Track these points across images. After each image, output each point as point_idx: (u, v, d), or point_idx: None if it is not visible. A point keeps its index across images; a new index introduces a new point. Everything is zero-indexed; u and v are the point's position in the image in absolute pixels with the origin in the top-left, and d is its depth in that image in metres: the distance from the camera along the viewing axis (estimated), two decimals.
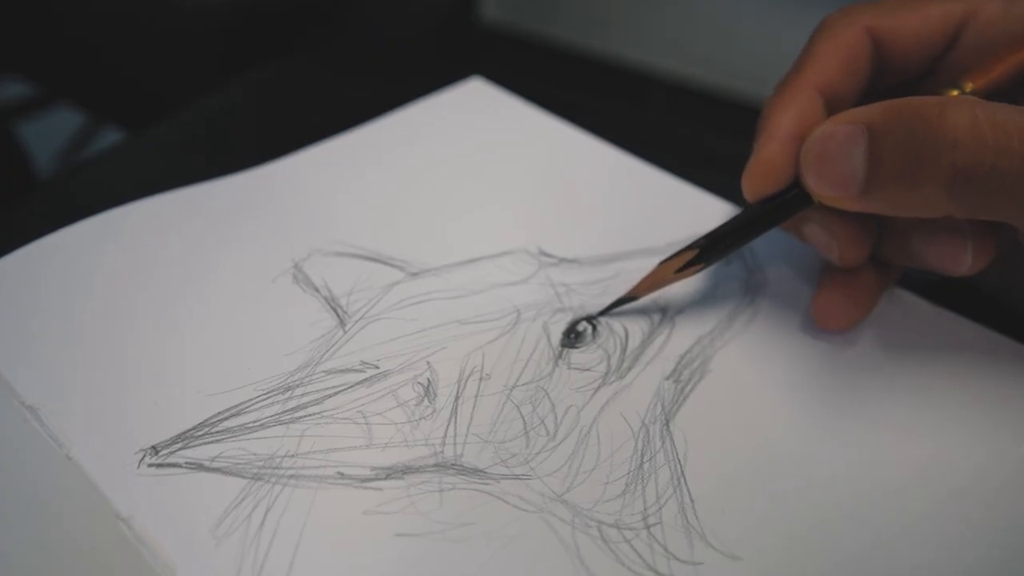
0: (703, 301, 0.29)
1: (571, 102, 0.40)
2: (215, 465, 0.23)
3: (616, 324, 0.28)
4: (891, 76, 0.27)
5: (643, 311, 0.29)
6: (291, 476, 0.23)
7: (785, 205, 0.26)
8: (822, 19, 0.27)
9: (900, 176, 0.22)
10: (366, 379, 0.26)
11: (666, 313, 0.29)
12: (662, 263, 0.27)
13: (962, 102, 0.21)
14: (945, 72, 0.27)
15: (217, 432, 0.24)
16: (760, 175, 0.25)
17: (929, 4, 0.26)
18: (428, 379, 0.26)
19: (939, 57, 0.27)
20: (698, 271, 0.27)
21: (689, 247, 0.27)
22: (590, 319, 0.28)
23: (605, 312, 0.28)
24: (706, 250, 0.26)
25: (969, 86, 0.25)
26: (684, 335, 0.28)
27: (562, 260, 0.31)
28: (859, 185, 0.22)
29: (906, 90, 0.27)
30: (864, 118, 0.22)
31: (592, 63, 0.47)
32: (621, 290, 0.29)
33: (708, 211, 0.33)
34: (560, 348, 0.27)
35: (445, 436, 0.24)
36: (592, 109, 0.40)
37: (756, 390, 0.27)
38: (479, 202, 0.34)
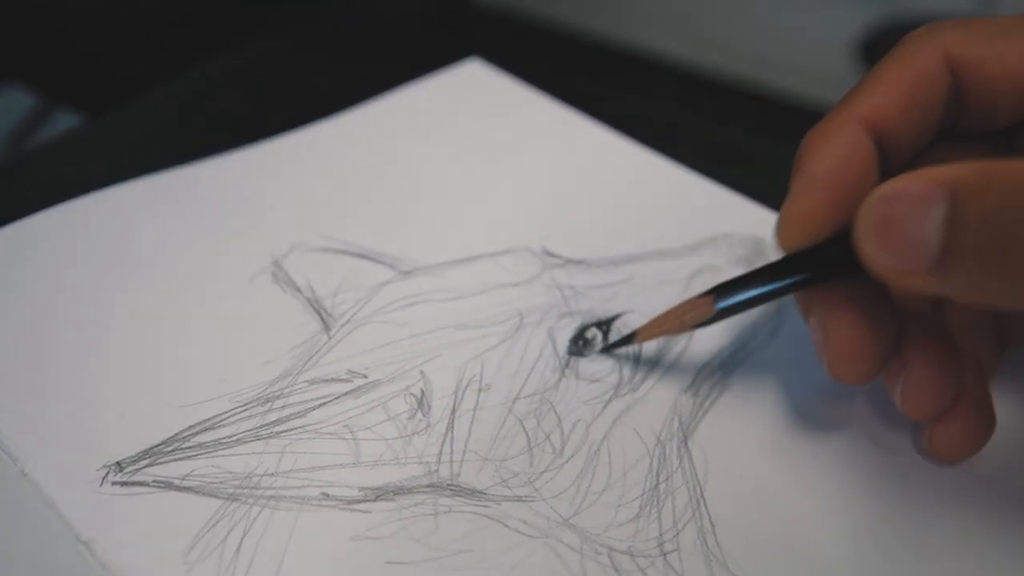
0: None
1: (574, 89, 0.40)
2: (186, 484, 0.23)
3: (629, 331, 0.28)
4: (971, 123, 0.24)
5: None
6: (270, 497, 0.23)
7: (825, 263, 0.23)
8: (904, 37, 0.24)
9: (988, 253, 0.18)
10: (353, 390, 0.26)
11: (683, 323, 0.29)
12: (674, 309, 0.25)
13: None
14: None
15: (188, 448, 0.24)
16: (798, 224, 0.23)
17: None
18: (421, 390, 0.26)
19: None
20: (711, 322, 0.25)
21: (705, 294, 0.25)
22: (600, 324, 0.28)
23: (608, 350, 0.28)
24: (723, 312, 0.24)
25: None
26: (703, 346, 0.28)
27: (568, 261, 0.31)
28: (932, 257, 0.19)
29: (986, 147, 0.25)
30: (945, 178, 0.19)
31: (597, 48, 0.47)
32: (634, 295, 0.28)
33: (727, 209, 0.33)
34: (567, 356, 0.27)
35: (440, 453, 0.24)
36: (597, 97, 0.40)
37: (780, 407, 0.26)
38: (477, 194, 0.34)
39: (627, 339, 0.27)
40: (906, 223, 0.19)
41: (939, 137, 0.24)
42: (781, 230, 0.23)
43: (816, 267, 0.23)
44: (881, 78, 0.23)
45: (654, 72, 0.45)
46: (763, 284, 0.24)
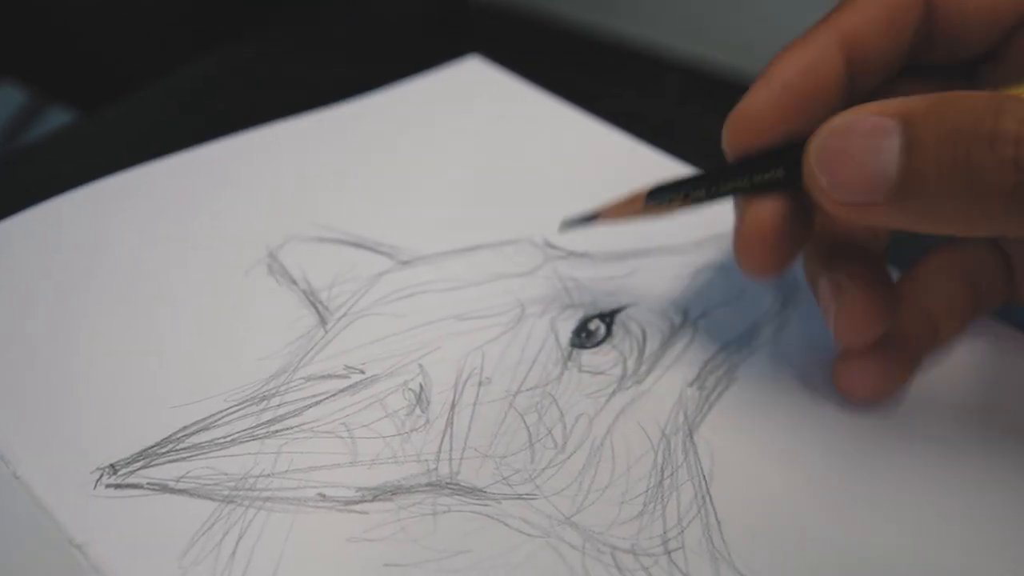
0: (729, 304, 0.29)
1: (574, 85, 0.40)
2: (181, 486, 0.23)
3: (633, 324, 0.28)
4: (939, 50, 0.24)
5: (662, 312, 0.29)
6: (267, 498, 0.23)
7: (762, 169, 0.23)
8: None
9: (948, 178, 0.19)
10: (350, 386, 0.26)
11: (687, 315, 0.28)
12: (635, 194, 0.26)
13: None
14: (1012, 58, 0.24)
15: (183, 449, 0.24)
16: (742, 126, 0.23)
17: None
18: (420, 384, 0.26)
19: (1006, 36, 0.24)
20: (667, 212, 0.26)
21: (676, 194, 0.25)
22: (603, 316, 0.28)
23: (568, 227, 0.27)
24: (699, 200, 0.25)
25: None
26: (708, 339, 0.28)
27: (571, 254, 0.31)
28: (890, 187, 0.19)
29: (956, 74, 0.25)
30: (898, 109, 0.19)
31: (596, 43, 0.47)
32: (638, 289, 0.28)
33: (729, 205, 0.32)
34: (570, 348, 0.27)
35: (439, 451, 0.24)
36: (598, 93, 0.40)
37: (788, 400, 0.26)
38: (478, 185, 0.34)
39: (587, 219, 0.27)
40: (861, 154, 0.19)
41: (903, 70, 0.25)
42: (727, 128, 0.24)
43: (754, 179, 0.23)
44: (855, 1, 0.24)
45: (653, 67, 0.45)
46: (699, 184, 0.24)
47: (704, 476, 0.24)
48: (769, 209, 0.23)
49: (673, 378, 0.26)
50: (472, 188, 0.34)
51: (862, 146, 0.19)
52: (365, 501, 0.23)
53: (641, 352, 0.27)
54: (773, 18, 0.43)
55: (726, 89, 0.43)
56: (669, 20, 0.45)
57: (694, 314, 0.29)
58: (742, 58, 0.43)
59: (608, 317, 0.28)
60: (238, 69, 0.43)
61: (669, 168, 0.35)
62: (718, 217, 0.32)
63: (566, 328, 0.28)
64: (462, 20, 0.49)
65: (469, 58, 0.41)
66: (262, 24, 0.48)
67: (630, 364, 0.27)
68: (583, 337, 0.27)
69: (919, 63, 0.25)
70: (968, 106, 0.18)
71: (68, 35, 0.66)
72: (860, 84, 0.24)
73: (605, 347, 0.27)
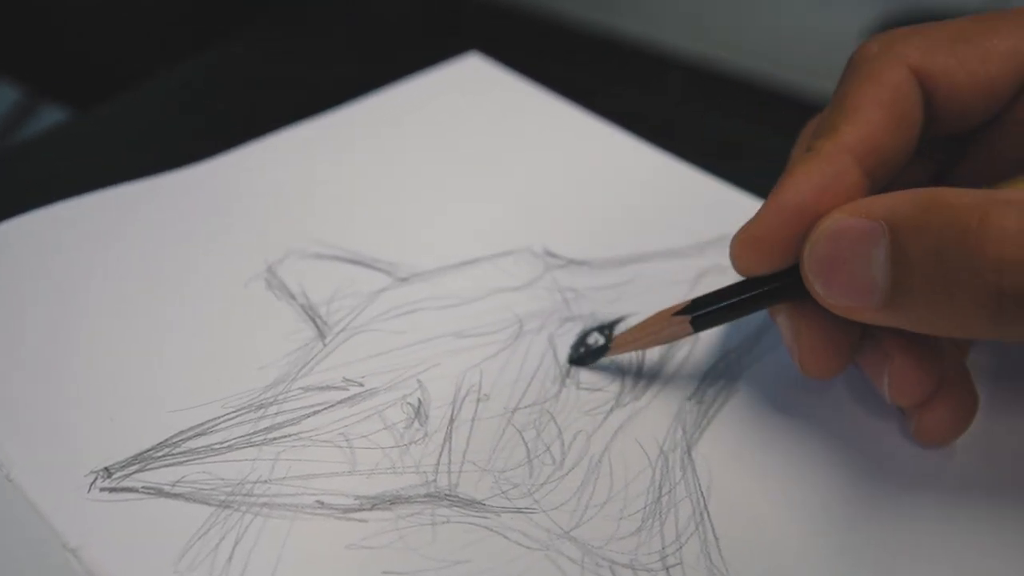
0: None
1: (574, 83, 0.40)
2: (177, 490, 0.23)
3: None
4: (944, 126, 0.24)
5: None
6: (264, 504, 0.23)
7: (780, 291, 0.23)
8: (856, 51, 0.24)
9: (931, 291, 0.19)
10: (349, 398, 0.26)
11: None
12: (648, 320, 0.26)
13: (1008, 204, 0.18)
14: (1007, 130, 0.24)
15: (180, 453, 0.24)
16: (749, 250, 0.23)
17: (990, 38, 0.23)
18: (419, 399, 0.26)
19: (1007, 106, 0.24)
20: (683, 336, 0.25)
21: (684, 311, 0.25)
22: (602, 329, 0.28)
23: (579, 362, 0.27)
24: (697, 322, 0.25)
25: None
26: (708, 351, 0.28)
27: (570, 262, 0.31)
28: (880, 297, 0.20)
29: (964, 147, 0.25)
30: (884, 212, 0.19)
31: (596, 40, 0.47)
32: (637, 297, 0.29)
33: (734, 207, 0.33)
34: (567, 366, 0.27)
35: (438, 463, 0.24)
36: (599, 92, 0.40)
37: (788, 416, 0.26)
38: (477, 194, 0.34)
39: (600, 351, 0.27)
40: (851, 264, 0.20)
41: (919, 150, 0.25)
42: (735, 248, 0.23)
43: (785, 286, 0.23)
44: (860, 103, 0.23)
45: (654, 65, 0.45)
46: (736, 298, 0.24)
47: (702, 493, 0.24)
48: (820, 320, 0.23)
49: (672, 392, 0.27)
50: (473, 192, 0.34)
51: (852, 254, 0.20)
52: (364, 509, 0.23)
53: (640, 367, 0.27)
54: (775, 17, 0.43)
55: (727, 87, 0.44)
56: (671, 18, 0.46)
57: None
58: (744, 57, 0.44)
59: (607, 329, 0.28)
60: (235, 67, 0.43)
61: (672, 168, 0.35)
62: (717, 220, 0.32)
63: (564, 343, 0.28)
64: (461, 15, 0.50)
65: (468, 55, 0.41)
66: (258, 21, 0.48)
67: (628, 380, 0.27)
68: (582, 352, 0.28)
69: (930, 140, 0.25)
70: (952, 213, 0.18)
71: (62, 33, 0.66)
72: (878, 186, 0.23)
73: (603, 361, 0.27)
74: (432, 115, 0.38)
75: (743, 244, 0.23)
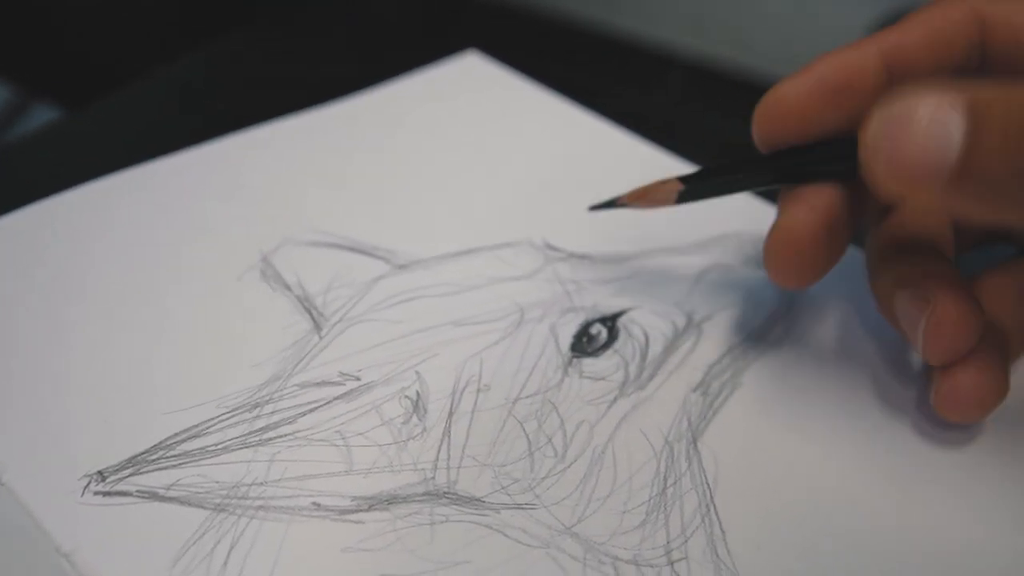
0: (734, 307, 0.29)
1: (574, 82, 0.40)
2: (171, 494, 0.23)
3: (635, 327, 0.28)
4: (995, 72, 0.25)
5: (665, 314, 0.28)
6: (259, 507, 0.23)
7: (814, 159, 0.24)
8: None
9: (1013, 165, 0.18)
10: (345, 393, 0.25)
11: (692, 318, 0.28)
12: (664, 185, 0.26)
13: None
14: None
15: (174, 456, 0.24)
16: (774, 113, 0.24)
17: None
18: (417, 392, 0.26)
19: None
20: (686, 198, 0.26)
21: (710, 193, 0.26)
22: (605, 320, 0.28)
23: (595, 208, 0.28)
24: (686, 180, 0.25)
25: None
26: (713, 343, 0.28)
27: (571, 255, 0.31)
28: (951, 165, 0.19)
29: None
30: (964, 90, 0.19)
31: (598, 40, 0.47)
32: (641, 291, 0.28)
33: (733, 204, 0.33)
34: (570, 354, 0.27)
35: (437, 459, 0.24)
36: (599, 91, 0.40)
37: (794, 408, 0.26)
38: (476, 186, 0.34)
39: (613, 203, 0.27)
40: (922, 133, 0.19)
41: None
42: (757, 116, 0.24)
43: (792, 169, 0.24)
44: (907, 20, 0.24)
45: (655, 64, 0.45)
46: (735, 173, 0.25)
47: (708, 484, 0.24)
48: (807, 211, 0.24)
49: (676, 383, 0.26)
50: (471, 187, 0.34)
51: (924, 124, 0.19)
52: (361, 511, 0.23)
53: (643, 357, 0.27)
54: (777, 16, 0.43)
55: (729, 87, 0.43)
56: (671, 16, 0.45)
57: (698, 317, 0.28)
58: (746, 56, 0.43)
59: (610, 321, 0.28)
60: (230, 65, 0.43)
61: (670, 166, 0.35)
62: (723, 215, 0.32)
63: (566, 333, 0.28)
64: (461, 16, 0.49)
65: (467, 54, 0.41)
66: (257, 20, 0.48)
67: (632, 369, 0.27)
68: (584, 342, 0.27)
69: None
70: None
71: (54, 32, 0.66)
72: None
73: (607, 352, 0.27)
74: (431, 111, 0.38)
75: (765, 110, 0.24)
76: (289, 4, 0.50)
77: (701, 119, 0.40)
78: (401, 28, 0.47)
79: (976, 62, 0.24)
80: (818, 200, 0.24)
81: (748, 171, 0.25)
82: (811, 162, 0.24)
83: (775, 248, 0.24)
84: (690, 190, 0.26)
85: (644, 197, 0.26)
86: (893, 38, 0.24)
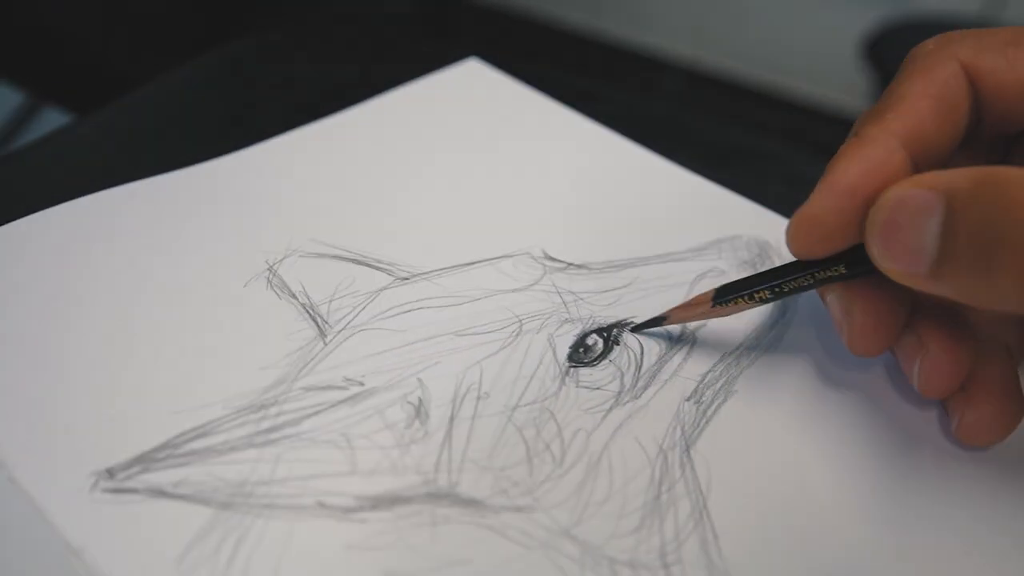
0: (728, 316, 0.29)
1: (573, 89, 0.40)
2: (179, 492, 0.23)
3: (630, 338, 0.28)
4: (988, 130, 0.25)
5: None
6: (265, 505, 0.23)
7: (846, 268, 0.24)
8: (912, 50, 0.25)
9: (973, 263, 0.19)
10: (349, 397, 0.26)
11: (685, 328, 0.29)
12: (703, 295, 0.27)
13: None
14: None
15: (181, 454, 0.24)
16: (806, 232, 0.24)
17: None
18: (419, 398, 0.26)
19: None
20: (733, 312, 0.26)
21: (741, 295, 0.26)
22: (601, 331, 0.28)
23: (637, 329, 0.28)
24: (764, 300, 0.26)
25: None
26: (706, 353, 0.28)
27: (569, 265, 0.31)
28: (928, 264, 0.20)
29: (1000, 151, 0.26)
30: (944, 184, 0.20)
31: (597, 46, 0.47)
32: (636, 301, 0.28)
33: (732, 211, 0.33)
34: (567, 364, 0.27)
35: (438, 462, 0.24)
36: (597, 97, 0.40)
37: (786, 415, 0.26)
38: (476, 198, 0.34)
39: (657, 321, 0.28)
40: (907, 231, 0.21)
41: (966, 147, 0.25)
42: (792, 234, 0.24)
43: (817, 275, 0.24)
44: (908, 93, 0.24)
45: (653, 69, 0.45)
46: (766, 284, 0.25)
47: (701, 491, 0.24)
48: (873, 297, 0.24)
49: (670, 393, 0.27)
50: (472, 195, 0.34)
51: (909, 221, 0.20)
52: (364, 510, 0.23)
53: (638, 367, 0.27)
54: (772, 24, 0.44)
55: (724, 92, 0.44)
56: (668, 24, 0.46)
57: (692, 327, 0.29)
58: (740, 62, 0.44)
59: (606, 332, 0.28)
60: (232, 70, 0.43)
61: (669, 172, 0.35)
62: (714, 224, 0.32)
63: (564, 344, 0.28)
64: (461, 23, 0.50)
65: (468, 61, 0.41)
66: (260, 27, 0.48)
67: (627, 379, 0.27)
68: (581, 353, 0.27)
69: (976, 142, 0.25)
70: (1003, 187, 0.19)
71: (62, 40, 0.66)
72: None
73: (603, 362, 0.27)
74: (432, 119, 0.38)
75: (799, 226, 0.24)
76: (293, 14, 0.51)
77: (696, 124, 0.40)
78: (402, 35, 0.47)
79: (974, 119, 0.25)
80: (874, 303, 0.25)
81: (779, 280, 0.25)
82: (831, 267, 0.24)
83: (858, 336, 0.25)
84: (721, 297, 0.26)
85: (681, 314, 0.28)
86: (908, 120, 0.23)
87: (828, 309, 0.26)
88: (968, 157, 0.26)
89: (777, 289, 0.25)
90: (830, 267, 0.24)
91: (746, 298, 0.26)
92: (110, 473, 0.23)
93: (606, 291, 0.30)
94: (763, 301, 0.26)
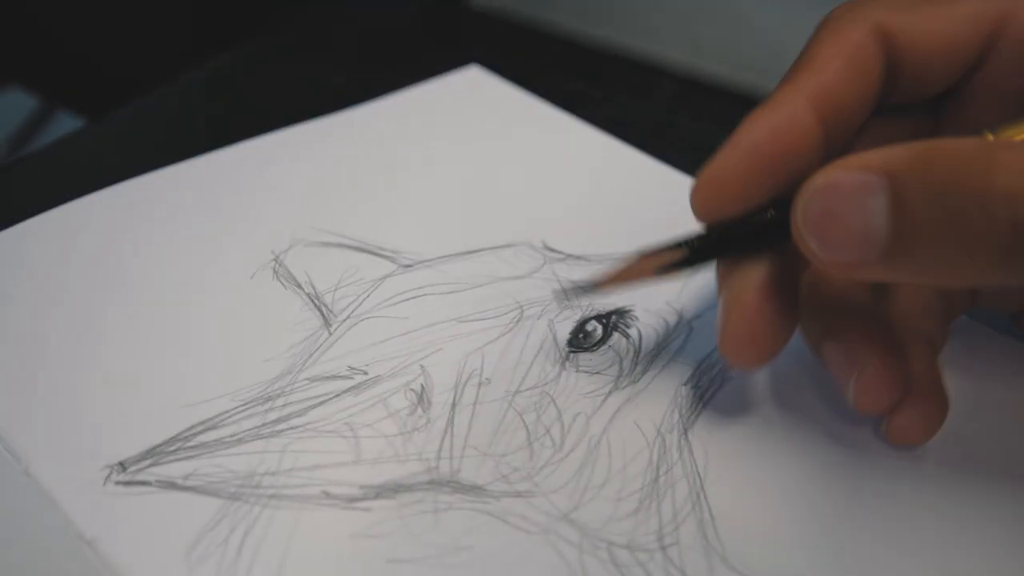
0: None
1: (570, 94, 0.40)
2: (189, 483, 0.23)
3: (629, 325, 0.28)
4: (906, 91, 0.24)
5: (657, 313, 0.29)
6: (272, 496, 0.23)
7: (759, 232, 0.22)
8: (826, 15, 0.23)
9: (939, 236, 0.18)
10: (354, 387, 0.26)
11: (682, 316, 0.28)
12: (642, 257, 0.24)
13: (1009, 147, 0.17)
14: (979, 91, 0.23)
15: (191, 447, 0.24)
16: (709, 192, 0.22)
17: (955, 2, 0.22)
18: (422, 385, 0.26)
19: (970, 70, 0.23)
20: (676, 275, 0.24)
21: (675, 246, 0.23)
22: (600, 318, 0.28)
23: (572, 293, 0.27)
24: (697, 253, 0.23)
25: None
26: (702, 340, 0.28)
27: (568, 256, 0.31)
28: (880, 247, 0.18)
29: (919, 116, 0.25)
30: (881, 164, 0.18)
31: (592, 53, 0.47)
32: (634, 290, 0.28)
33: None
34: (567, 349, 0.27)
35: (440, 449, 0.24)
36: (593, 101, 0.40)
37: (780, 399, 0.26)
38: (478, 191, 0.34)
39: (588, 288, 0.25)
40: (848, 215, 0.19)
41: (880, 111, 0.24)
42: (695, 193, 0.22)
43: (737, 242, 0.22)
44: (819, 55, 0.22)
45: (646, 75, 0.45)
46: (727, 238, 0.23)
47: (698, 473, 0.24)
48: (753, 291, 0.22)
49: (668, 378, 0.26)
50: (473, 192, 0.34)
51: (848, 206, 0.19)
52: (368, 499, 0.23)
53: (637, 352, 0.27)
54: (760, 30, 0.43)
55: (716, 97, 0.43)
56: (662, 31, 0.45)
57: (689, 314, 0.29)
58: (733, 68, 0.43)
59: (605, 319, 0.28)
60: (237, 74, 0.43)
61: (659, 173, 0.36)
62: None
63: (564, 330, 0.28)
64: (462, 30, 0.49)
65: (469, 67, 0.41)
66: (267, 33, 0.48)
67: (626, 364, 0.27)
68: (581, 338, 0.27)
69: (886, 103, 0.24)
70: (955, 159, 0.17)
71: (75, 46, 0.66)
72: (834, 137, 0.23)
73: (602, 348, 0.27)
74: (434, 121, 0.38)
75: (702, 185, 0.22)
76: (300, 21, 0.51)
77: (688, 128, 0.40)
78: (405, 42, 0.47)
79: (889, 81, 0.23)
80: (758, 275, 0.23)
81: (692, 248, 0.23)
82: (744, 234, 0.23)
83: (728, 335, 0.23)
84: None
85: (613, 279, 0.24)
86: (817, 81, 0.22)
87: (825, 364, 0.24)
88: (888, 128, 0.24)
89: (700, 255, 0.23)
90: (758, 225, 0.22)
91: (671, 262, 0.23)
92: (122, 466, 0.23)
93: None
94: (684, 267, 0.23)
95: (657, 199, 0.34)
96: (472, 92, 0.40)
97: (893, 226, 0.18)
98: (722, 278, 0.24)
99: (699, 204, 0.22)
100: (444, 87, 0.40)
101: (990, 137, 0.21)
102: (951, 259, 0.18)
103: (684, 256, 0.23)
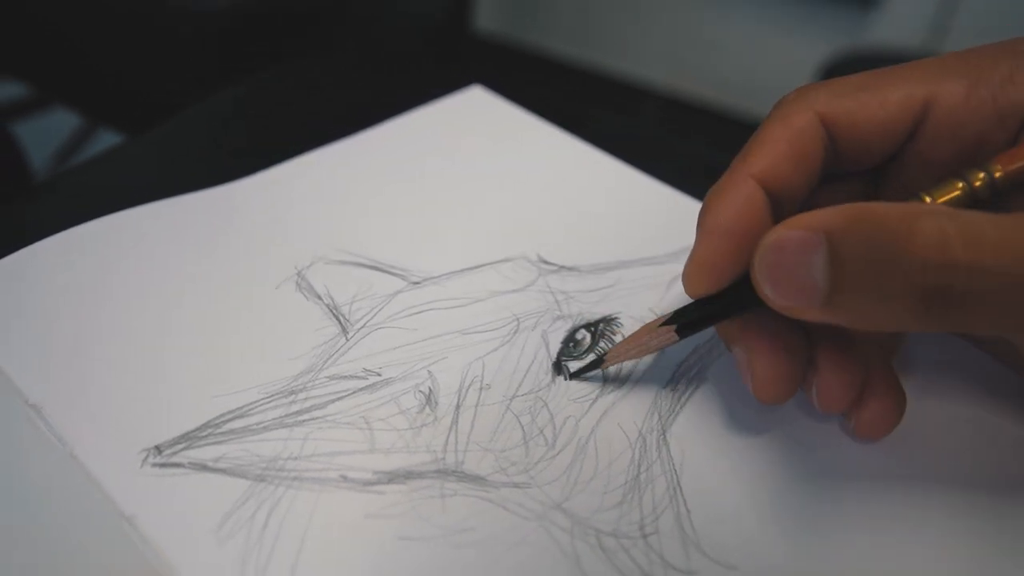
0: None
1: (564, 112, 0.41)
2: (219, 465, 0.23)
3: (615, 332, 0.29)
4: (849, 163, 0.25)
5: (641, 320, 0.29)
6: (294, 478, 0.23)
7: (735, 304, 0.24)
8: (778, 101, 0.25)
9: (865, 290, 0.19)
10: (368, 385, 0.26)
11: None
12: (637, 333, 0.26)
13: (931, 215, 0.19)
14: (912, 160, 0.25)
15: (221, 433, 0.24)
16: (698, 275, 0.24)
17: (888, 87, 0.24)
18: (429, 387, 0.26)
19: (903, 143, 0.25)
20: (670, 344, 0.26)
21: (668, 322, 0.25)
22: (589, 327, 0.29)
23: (577, 375, 0.28)
24: (684, 328, 0.25)
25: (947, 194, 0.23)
26: (681, 344, 0.28)
27: (561, 268, 0.32)
28: (821, 296, 0.20)
29: (865, 180, 0.26)
30: (821, 224, 0.20)
31: (586, 75, 0.48)
32: (620, 299, 0.29)
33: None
34: (558, 358, 0.28)
35: (446, 443, 0.25)
36: (587, 119, 0.41)
37: (751, 400, 0.27)
38: (480, 209, 0.34)
39: (595, 364, 0.27)
40: (794, 269, 0.20)
41: (823, 180, 0.25)
42: (687, 282, 0.24)
43: (729, 304, 0.24)
44: (766, 139, 0.24)
45: (632, 95, 0.46)
46: (713, 311, 0.25)
47: (675, 470, 0.25)
48: (774, 352, 0.24)
49: (649, 383, 0.27)
50: (475, 208, 0.34)
51: (794, 260, 0.20)
52: (381, 483, 0.23)
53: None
54: (740, 54, 0.44)
55: (697, 115, 0.44)
56: (648, 55, 0.47)
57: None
58: (712, 89, 0.45)
59: (593, 327, 0.29)
60: (263, 95, 0.43)
61: (650, 187, 0.36)
62: (689, 232, 0.33)
63: (556, 339, 0.29)
64: (465, 55, 0.50)
65: (471, 88, 0.42)
66: (282, 55, 0.49)
67: (611, 371, 0.28)
68: (571, 347, 0.28)
69: (835, 171, 0.26)
70: (882, 222, 0.19)
71: (116, 69, 0.67)
72: (787, 204, 0.24)
73: (590, 355, 0.28)
74: (440, 140, 0.38)
75: (693, 272, 0.24)
76: (315, 46, 0.51)
77: (674, 144, 0.41)
78: (413, 64, 0.48)
79: (832, 157, 0.25)
80: (760, 322, 0.24)
81: (691, 319, 0.25)
82: (733, 299, 0.24)
83: (758, 379, 0.24)
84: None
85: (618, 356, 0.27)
86: (764, 164, 0.24)
87: (735, 359, 0.25)
88: (837, 191, 0.26)
89: (694, 326, 0.25)
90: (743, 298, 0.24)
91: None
92: (158, 450, 0.24)
93: (594, 290, 0.31)
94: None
95: (646, 211, 0.35)
96: (475, 110, 0.40)
97: (830, 278, 0.20)
98: (728, 337, 0.25)
99: (693, 287, 0.24)
100: (449, 107, 0.41)
101: (927, 199, 0.23)
102: (875, 309, 0.20)
103: (683, 324, 0.25)
